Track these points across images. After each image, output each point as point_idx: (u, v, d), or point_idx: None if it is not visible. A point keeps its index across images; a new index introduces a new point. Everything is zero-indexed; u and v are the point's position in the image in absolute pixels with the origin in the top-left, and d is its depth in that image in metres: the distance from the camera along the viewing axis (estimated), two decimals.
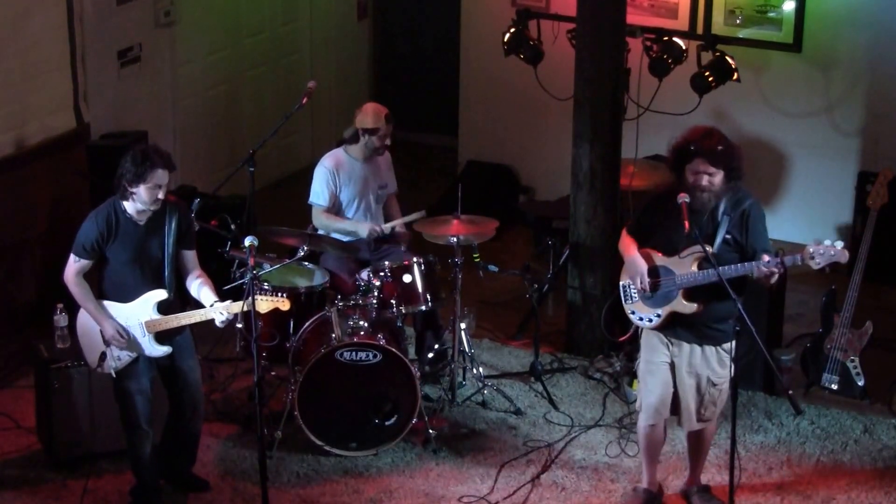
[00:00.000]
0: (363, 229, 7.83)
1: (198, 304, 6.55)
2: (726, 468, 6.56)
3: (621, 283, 6.55)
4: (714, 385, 6.45)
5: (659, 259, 6.38)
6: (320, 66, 11.26)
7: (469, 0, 10.47)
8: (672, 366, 6.46)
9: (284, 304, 6.55)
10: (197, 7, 9.93)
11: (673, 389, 6.49)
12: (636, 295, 6.45)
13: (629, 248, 6.48)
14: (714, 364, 6.42)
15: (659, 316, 6.39)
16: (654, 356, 6.48)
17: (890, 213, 8.11)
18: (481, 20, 10.34)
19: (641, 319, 6.47)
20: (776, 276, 6.14)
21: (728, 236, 6.26)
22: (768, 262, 6.08)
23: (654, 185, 8.35)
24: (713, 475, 7.04)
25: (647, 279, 6.35)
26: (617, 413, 7.66)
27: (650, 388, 6.51)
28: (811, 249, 6.05)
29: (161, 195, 6.35)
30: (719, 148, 6.18)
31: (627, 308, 6.53)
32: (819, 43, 9.29)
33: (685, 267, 6.28)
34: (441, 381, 7.77)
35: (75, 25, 8.67)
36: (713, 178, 6.19)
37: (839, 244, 6.05)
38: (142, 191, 6.31)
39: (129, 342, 6.49)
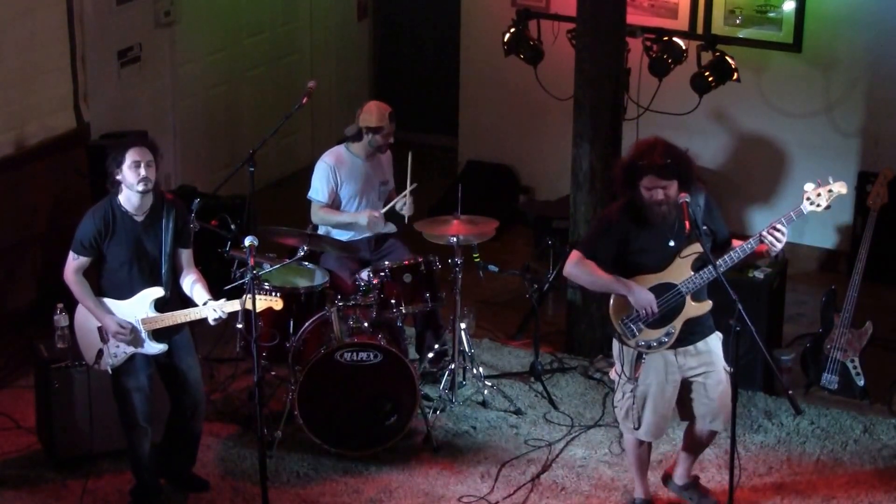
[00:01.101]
0: (362, 217, 7.82)
1: (194, 302, 6.56)
2: (726, 468, 6.56)
3: (617, 323, 6.35)
4: (728, 372, 6.38)
5: (651, 279, 6.27)
6: (320, 66, 11.26)
7: (469, 0, 10.48)
8: (683, 379, 6.40)
9: (277, 304, 6.55)
10: (197, 7, 9.93)
11: (672, 404, 6.46)
12: (641, 324, 6.32)
13: (616, 280, 6.26)
14: (719, 351, 6.39)
15: (674, 329, 6.30)
16: (666, 377, 6.38)
17: (890, 213, 8.11)
18: (481, 20, 10.34)
19: (658, 344, 6.34)
20: (784, 238, 6.13)
21: (705, 227, 6.26)
22: (772, 223, 6.08)
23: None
24: (713, 475, 7.05)
25: (655, 303, 6.23)
26: None
27: (655, 408, 6.41)
28: (808, 195, 6.08)
29: (144, 172, 6.32)
30: (667, 161, 6.11)
31: (634, 342, 6.34)
32: (819, 43, 9.29)
33: (683, 273, 6.23)
34: (441, 381, 7.77)
35: (75, 25, 8.68)
36: (668, 191, 6.12)
37: (831, 179, 6.08)
38: (125, 171, 6.32)
39: (132, 336, 6.50)
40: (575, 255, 6.39)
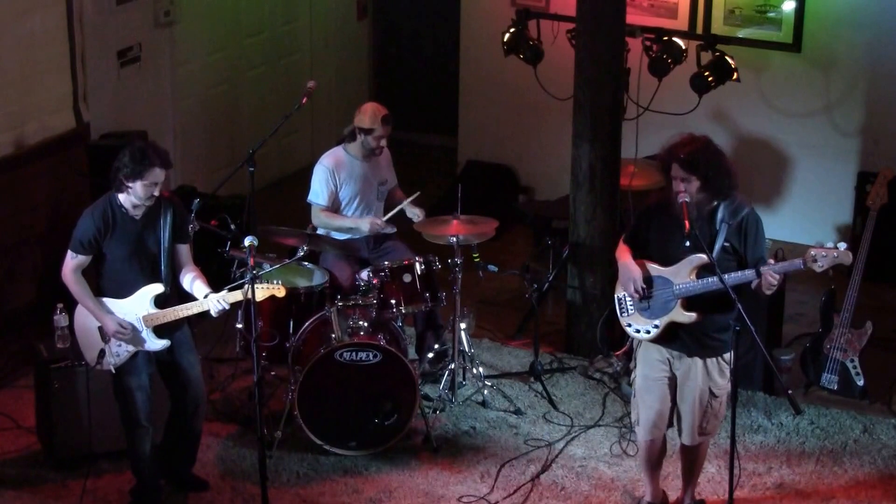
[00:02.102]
0: (364, 225, 7.82)
1: (193, 298, 6.56)
2: (726, 468, 6.56)
3: (617, 295, 6.45)
4: (715, 397, 6.36)
5: (654, 269, 6.28)
6: (320, 66, 11.26)
7: (469, 0, 10.48)
8: (671, 380, 6.37)
9: (280, 291, 6.53)
10: (197, 7, 9.93)
11: (671, 403, 6.42)
12: (632, 307, 6.35)
13: (623, 255, 6.40)
14: (715, 375, 6.33)
15: (657, 327, 6.29)
16: (653, 371, 6.38)
17: (890, 213, 8.11)
18: (481, 20, 10.35)
19: (639, 331, 6.36)
20: (775, 285, 6.05)
21: (727, 244, 6.17)
22: (768, 268, 6.02)
23: (653, 186, 8.37)
24: (713, 474, 7.05)
25: (640, 283, 6.25)
26: (617, 412, 7.66)
27: (648, 403, 6.42)
28: (812, 252, 5.98)
29: (156, 192, 6.39)
30: (693, 155, 6.08)
31: (623, 321, 6.42)
32: (819, 43, 9.29)
33: (683, 276, 6.21)
34: (441, 381, 7.77)
35: (75, 25, 8.68)
36: (689, 186, 6.09)
37: (842, 245, 5.97)
38: (138, 187, 6.34)
39: (132, 335, 6.50)
40: (620, 240, 6.54)
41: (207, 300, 6.44)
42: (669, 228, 6.23)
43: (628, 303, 6.39)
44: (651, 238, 6.35)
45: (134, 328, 6.51)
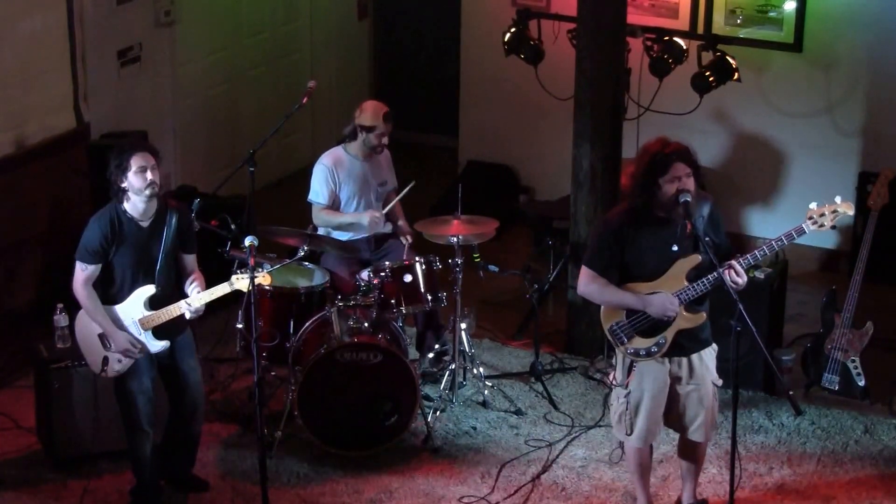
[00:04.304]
0: (364, 218, 7.81)
1: None
2: (727, 468, 6.56)
3: (607, 328, 6.30)
4: (717, 386, 6.39)
5: (644, 288, 6.17)
6: (320, 66, 11.26)
7: (469, 0, 10.47)
8: (670, 386, 6.32)
9: (265, 279, 6.45)
10: (197, 7, 9.93)
11: (663, 409, 6.38)
12: (630, 332, 6.24)
13: (628, 296, 6.16)
14: (711, 365, 6.34)
15: (665, 339, 6.21)
16: (656, 385, 6.29)
17: (891, 214, 8.09)
18: (481, 20, 10.34)
19: (647, 353, 6.26)
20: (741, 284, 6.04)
21: (706, 238, 6.13)
22: (771, 241, 6.02)
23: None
24: (714, 475, 7.04)
25: (676, 304, 6.11)
26: None
27: (647, 414, 6.34)
28: (811, 214, 5.99)
29: (150, 176, 6.31)
30: (686, 147, 6.09)
31: (624, 350, 6.28)
32: (820, 43, 9.28)
33: (678, 283, 6.13)
34: (441, 382, 7.77)
35: (75, 25, 8.68)
36: (690, 182, 6.04)
37: (838, 198, 5.99)
38: (131, 178, 6.30)
39: (140, 350, 6.48)
40: (584, 274, 6.29)
41: (181, 303, 6.43)
42: (650, 241, 6.15)
43: (624, 331, 6.26)
44: (631, 259, 6.19)
45: (143, 347, 6.48)
